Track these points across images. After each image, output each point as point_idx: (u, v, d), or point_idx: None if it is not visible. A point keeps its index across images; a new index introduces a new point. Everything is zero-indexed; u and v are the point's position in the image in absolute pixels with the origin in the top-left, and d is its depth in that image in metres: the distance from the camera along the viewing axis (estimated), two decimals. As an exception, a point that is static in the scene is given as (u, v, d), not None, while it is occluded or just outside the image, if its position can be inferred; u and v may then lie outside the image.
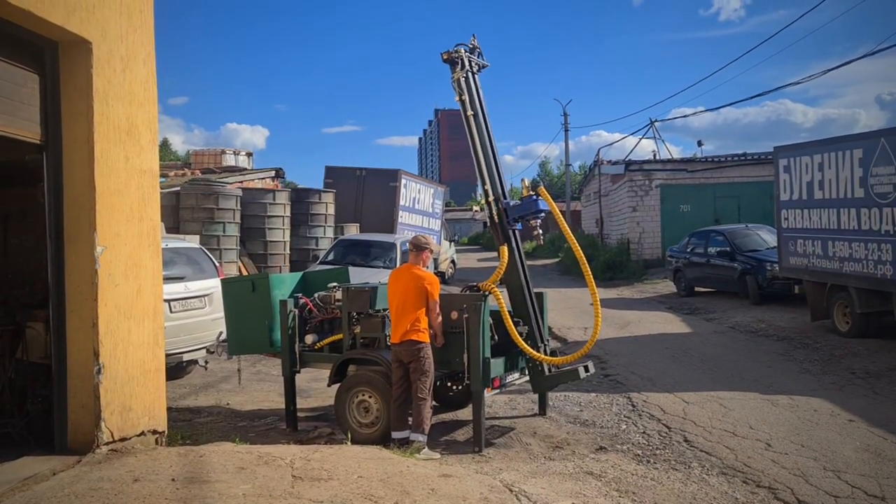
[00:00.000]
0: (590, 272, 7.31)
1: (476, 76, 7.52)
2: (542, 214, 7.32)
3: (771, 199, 23.57)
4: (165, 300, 9.37)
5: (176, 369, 10.18)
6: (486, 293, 6.96)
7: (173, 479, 4.48)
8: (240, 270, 16.54)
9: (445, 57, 7.39)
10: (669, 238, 23.47)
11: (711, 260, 17.49)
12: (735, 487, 5.69)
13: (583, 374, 6.94)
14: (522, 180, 7.73)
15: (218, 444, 5.84)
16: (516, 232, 7.43)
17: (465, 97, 7.33)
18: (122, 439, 5.34)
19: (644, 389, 8.93)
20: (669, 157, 30.24)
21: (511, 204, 7.33)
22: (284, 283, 8.23)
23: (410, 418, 6.54)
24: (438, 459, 6.24)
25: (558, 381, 6.97)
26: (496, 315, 6.95)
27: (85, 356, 5.18)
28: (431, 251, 6.90)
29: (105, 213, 5.28)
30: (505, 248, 7.22)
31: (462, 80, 7.31)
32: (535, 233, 7.53)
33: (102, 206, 5.26)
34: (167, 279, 9.72)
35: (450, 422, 7.78)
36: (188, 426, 7.74)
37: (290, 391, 7.61)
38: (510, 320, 6.93)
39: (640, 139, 31.83)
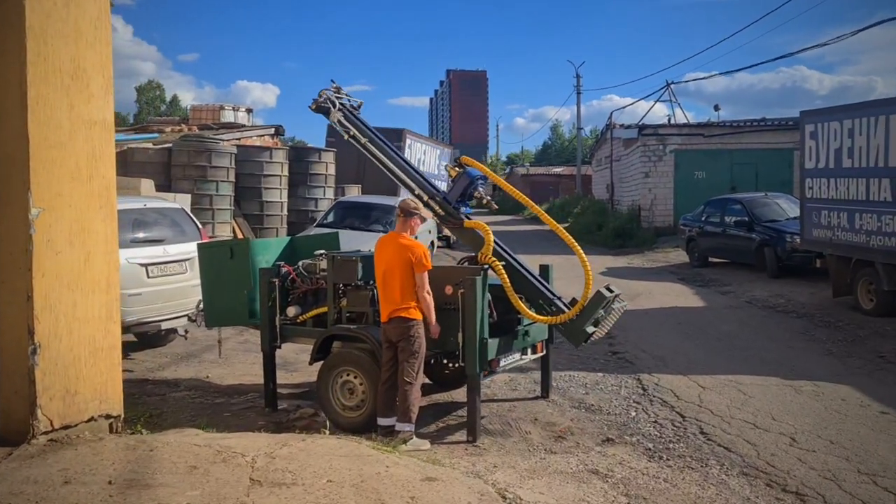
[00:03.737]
0: (547, 216, 7.14)
1: (354, 113, 7.37)
2: (481, 182, 6.89)
3: (790, 167, 22.79)
4: (142, 265, 8.75)
5: (156, 338, 9.61)
6: (486, 266, 6.26)
7: (110, 482, 3.86)
8: (234, 231, 15.88)
9: (314, 107, 7.38)
10: (682, 205, 22.57)
11: (727, 230, 16.68)
12: (758, 492, 5.05)
13: (607, 293, 6.19)
14: (446, 166, 7.43)
15: (176, 433, 5.20)
16: (469, 217, 6.90)
17: (354, 131, 7.25)
18: (66, 427, 4.70)
19: (655, 370, 8.27)
20: (685, 121, 29.16)
21: (447, 191, 6.95)
22: (269, 248, 7.55)
23: (399, 403, 5.91)
24: (427, 451, 5.61)
25: (590, 315, 6.16)
26: (494, 291, 6.25)
27: (18, 334, 4.51)
28: (422, 218, 6.16)
29: (42, 169, 4.56)
30: (474, 220, 6.69)
31: (341, 118, 7.23)
32: (485, 200, 7.54)
33: (39, 161, 4.54)
34: (145, 242, 9.09)
35: (444, 404, 7.15)
36: (160, 402, 7.17)
37: (270, 368, 6.98)
38: (514, 294, 6.23)
39: (655, 102, 30.81)
